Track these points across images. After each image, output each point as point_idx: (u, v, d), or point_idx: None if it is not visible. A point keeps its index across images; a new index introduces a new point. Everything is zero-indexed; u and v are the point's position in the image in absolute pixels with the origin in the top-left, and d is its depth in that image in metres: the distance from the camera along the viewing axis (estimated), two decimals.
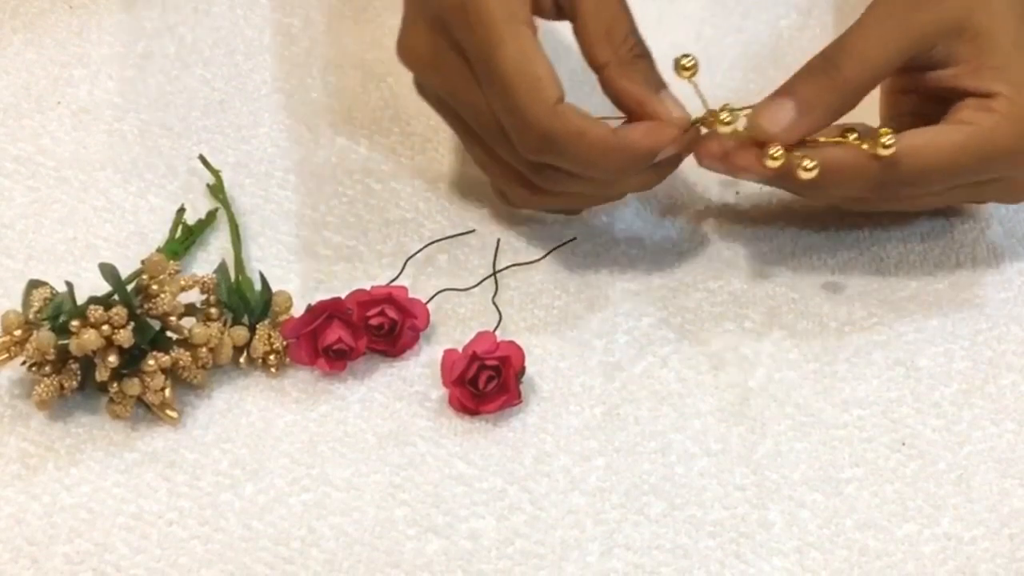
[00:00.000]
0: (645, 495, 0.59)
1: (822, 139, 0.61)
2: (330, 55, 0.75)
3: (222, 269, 0.64)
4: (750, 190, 0.70)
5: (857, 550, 0.58)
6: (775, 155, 0.60)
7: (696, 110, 0.62)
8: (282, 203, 0.69)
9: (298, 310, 0.63)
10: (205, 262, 0.66)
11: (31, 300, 0.60)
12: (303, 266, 0.66)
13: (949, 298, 0.66)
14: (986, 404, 0.62)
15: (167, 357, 0.59)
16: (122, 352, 0.58)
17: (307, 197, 0.69)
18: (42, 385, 0.59)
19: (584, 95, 0.63)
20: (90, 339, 0.57)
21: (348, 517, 0.58)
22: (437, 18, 0.62)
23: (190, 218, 0.67)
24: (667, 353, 0.64)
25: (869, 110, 0.64)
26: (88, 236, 0.67)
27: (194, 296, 0.62)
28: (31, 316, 0.60)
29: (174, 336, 0.60)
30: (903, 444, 0.61)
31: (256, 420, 0.61)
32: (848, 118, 0.62)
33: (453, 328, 0.64)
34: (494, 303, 0.65)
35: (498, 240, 0.67)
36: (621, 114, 0.63)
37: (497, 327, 0.64)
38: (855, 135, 0.61)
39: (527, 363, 0.62)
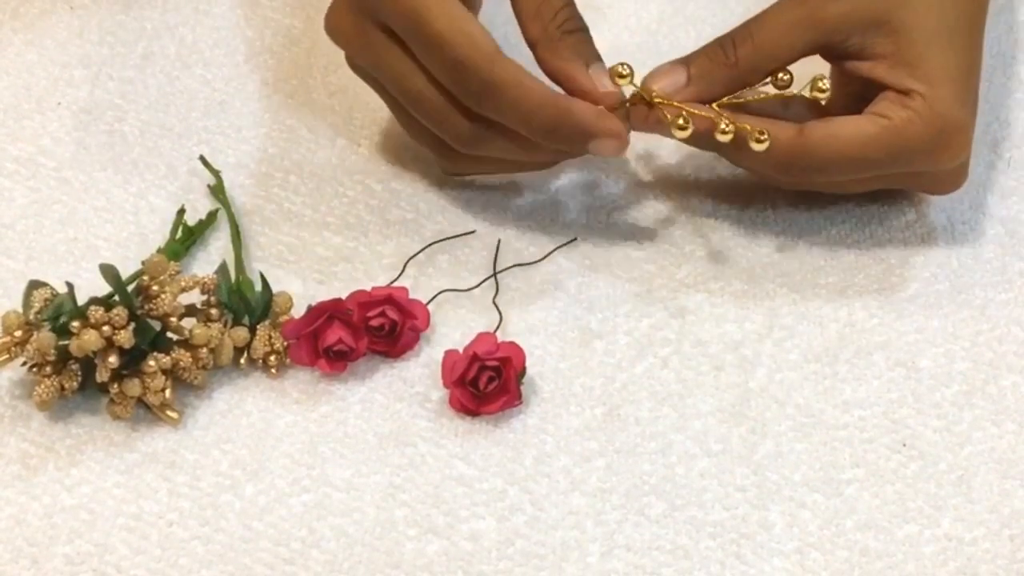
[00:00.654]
0: (646, 496, 0.59)
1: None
2: (331, 56, 0.75)
3: (222, 270, 0.64)
4: (751, 191, 0.69)
5: (858, 551, 0.58)
6: (683, 123, 0.62)
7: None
8: (282, 204, 0.69)
9: (298, 311, 0.63)
10: (205, 263, 0.66)
11: (32, 301, 0.60)
12: (303, 267, 0.66)
13: (950, 299, 0.66)
14: (987, 405, 0.62)
15: (167, 358, 0.59)
16: (122, 353, 0.58)
17: (307, 198, 0.69)
18: (42, 386, 0.59)
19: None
20: (90, 340, 0.57)
21: (348, 518, 0.58)
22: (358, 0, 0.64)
23: (190, 219, 0.67)
24: (667, 354, 0.64)
25: None
26: (88, 237, 0.67)
27: (195, 297, 0.62)
28: (32, 317, 0.60)
29: (174, 337, 0.60)
30: (904, 445, 0.61)
31: (256, 421, 0.61)
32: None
33: (454, 329, 0.64)
34: (495, 304, 0.65)
35: (499, 241, 0.67)
36: None
37: (498, 328, 0.64)
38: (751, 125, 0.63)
39: (528, 364, 0.62)
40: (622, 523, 0.58)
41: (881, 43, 0.62)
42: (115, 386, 0.59)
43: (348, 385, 0.62)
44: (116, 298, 0.59)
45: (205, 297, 0.62)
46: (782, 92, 0.63)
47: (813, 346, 0.64)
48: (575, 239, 0.68)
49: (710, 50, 0.64)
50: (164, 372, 0.59)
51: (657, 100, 0.63)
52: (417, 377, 0.62)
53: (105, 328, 0.58)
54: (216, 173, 0.69)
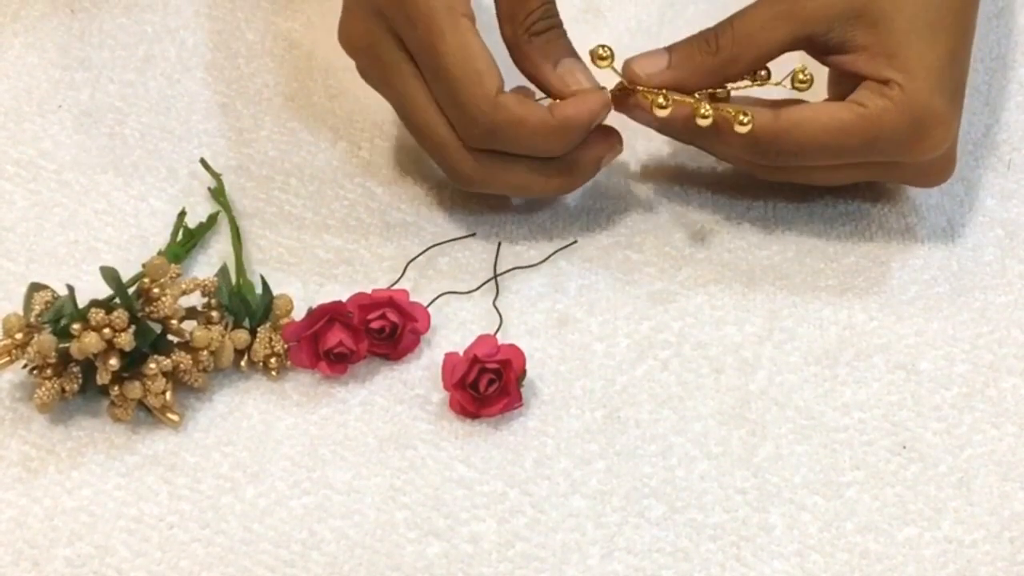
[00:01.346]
0: (646, 498, 0.59)
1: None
2: (331, 58, 0.75)
3: (223, 272, 0.64)
4: (750, 194, 0.70)
5: (858, 553, 0.58)
6: (663, 101, 0.63)
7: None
8: (283, 206, 0.69)
9: (299, 313, 0.63)
10: (206, 265, 0.66)
11: (32, 303, 0.60)
12: (304, 269, 0.66)
13: (950, 302, 0.66)
14: (987, 408, 0.62)
15: (168, 360, 0.59)
16: (123, 355, 0.58)
17: (308, 200, 0.69)
18: (43, 388, 0.59)
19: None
20: (91, 342, 0.57)
21: (349, 520, 0.58)
22: (375, 9, 0.64)
23: (191, 221, 0.67)
24: (668, 356, 0.64)
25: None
26: (89, 239, 0.67)
27: (195, 299, 0.62)
28: (32, 319, 0.60)
29: (175, 339, 0.60)
30: (904, 447, 0.61)
31: (257, 423, 0.61)
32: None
33: (454, 331, 0.64)
34: (495, 306, 0.65)
35: (499, 243, 0.67)
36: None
37: (498, 330, 0.64)
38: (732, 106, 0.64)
39: (528, 366, 0.62)
40: (622, 525, 0.58)
41: (861, 35, 0.63)
42: (116, 388, 0.59)
43: (348, 387, 0.62)
44: (117, 300, 0.59)
45: (206, 300, 0.62)
46: (761, 85, 0.64)
47: (813, 348, 0.64)
48: (575, 242, 0.68)
49: (692, 39, 0.65)
50: (165, 374, 0.59)
51: (639, 89, 0.64)
52: (417, 379, 0.63)
53: (106, 330, 0.58)
54: (217, 176, 0.69)
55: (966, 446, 0.61)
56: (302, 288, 0.65)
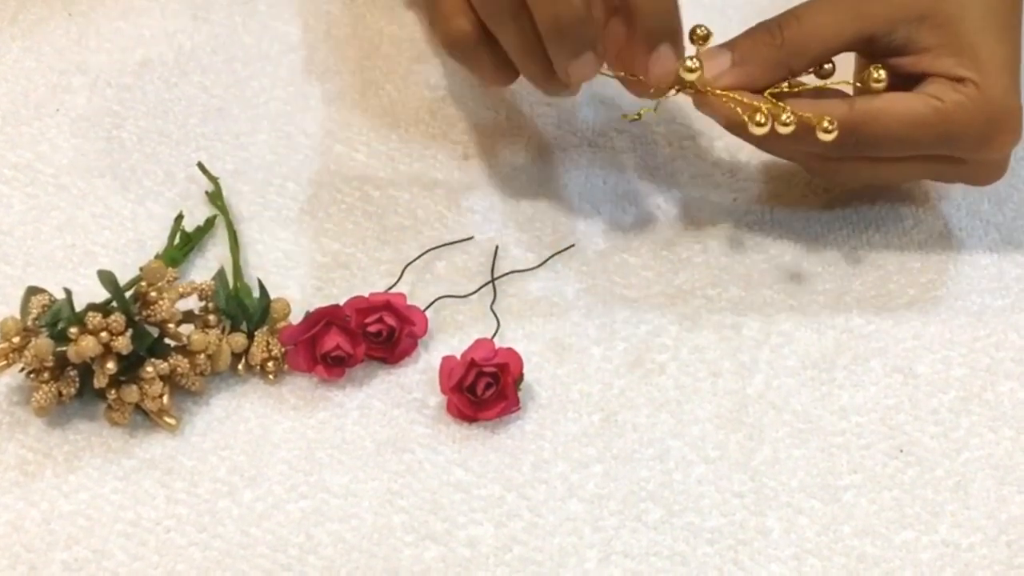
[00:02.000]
0: (643, 502, 0.59)
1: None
2: (328, 62, 0.75)
3: (220, 276, 0.64)
4: (748, 198, 0.70)
5: (855, 557, 0.58)
6: (761, 121, 0.61)
7: None
8: (280, 210, 0.69)
9: (296, 317, 0.63)
10: (203, 269, 0.66)
11: (29, 307, 0.60)
12: (301, 273, 0.66)
13: (947, 305, 0.66)
14: (984, 411, 0.62)
15: (165, 364, 0.59)
16: (120, 359, 0.58)
17: (305, 204, 0.69)
18: (40, 392, 0.59)
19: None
20: (88, 346, 0.57)
21: (346, 524, 0.58)
22: None
23: (188, 225, 0.67)
24: (665, 360, 0.64)
25: None
26: (86, 243, 0.67)
27: (192, 303, 0.62)
28: (29, 323, 0.60)
29: (172, 343, 0.60)
30: (901, 451, 0.61)
31: (254, 427, 0.61)
32: None
33: (451, 335, 0.64)
34: (492, 310, 0.65)
35: (496, 247, 0.67)
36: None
37: (495, 334, 0.64)
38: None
39: (525, 370, 0.62)
40: (620, 529, 0.58)
41: (926, 36, 0.63)
42: (113, 392, 0.59)
43: (346, 391, 0.62)
44: (114, 304, 0.59)
45: (203, 303, 0.62)
46: (823, 83, 0.63)
47: (810, 352, 0.64)
48: (572, 246, 0.68)
49: (754, 32, 0.64)
50: (162, 378, 0.59)
51: (708, 90, 0.63)
52: (415, 383, 0.62)
53: (103, 334, 0.58)
54: (214, 180, 0.69)
55: (963, 450, 0.61)
56: (299, 292, 0.65)
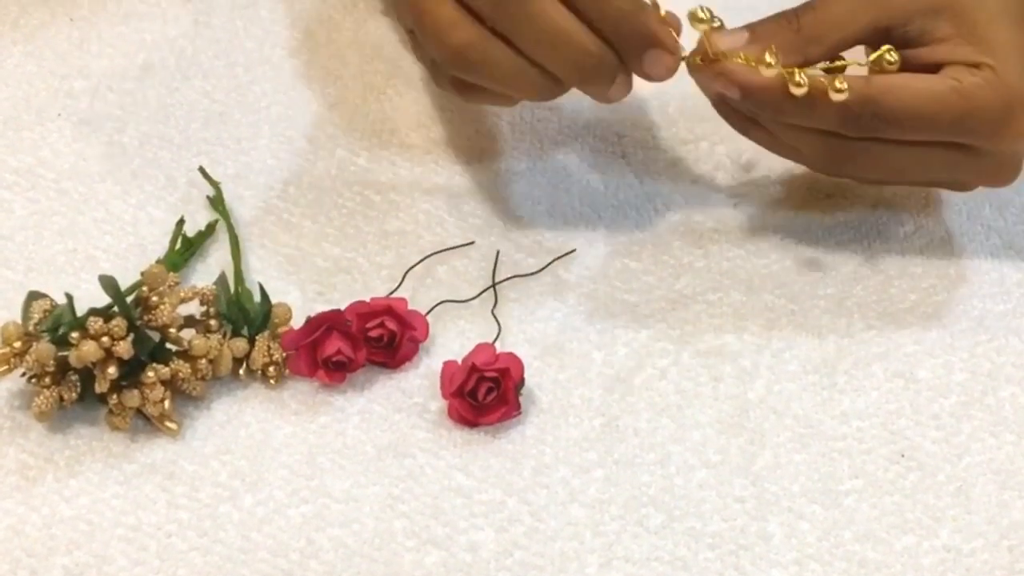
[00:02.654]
0: (644, 507, 0.59)
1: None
2: (330, 67, 0.75)
3: (222, 281, 0.64)
4: (749, 203, 0.70)
5: (856, 562, 0.58)
6: (770, 62, 0.61)
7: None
8: (281, 215, 0.69)
9: (297, 322, 0.63)
10: (205, 274, 0.66)
11: (31, 312, 0.60)
12: (302, 278, 0.66)
13: (948, 310, 0.66)
14: (985, 416, 0.62)
15: (166, 369, 0.59)
16: (121, 364, 0.58)
17: (306, 209, 0.69)
18: (41, 397, 0.59)
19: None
20: (90, 351, 0.57)
21: (347, 529, 0.58)
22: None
23: (190, 230, 0.67)
24: (666, 365, 0.64)
25: None
26: (88, 248, 0.67)
27: (194, 308, 0.62)
28: (31, 328, 0.60)
29: (173, 348, 0.60)
30: (902, 456, 0.61)
31: (255, 432, 0.61)
32: None
33: (452, 340, 0.64)
34: (493, 315, 0.65)
35: (497, 252, 0.67)
36: None
37: (496, 339, 0.64)
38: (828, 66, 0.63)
39: (526, 375, 0.62)
40: (621, 534, 0.58)
41: (942, 27, 0.63)
42: (114, 397, 0.59)
43: (347, 396, 0.62)
44: (115, 309, 0.59)
45: (204, 308, 0.62)
46: (837, 65, 0.63)
47: (812, 357, 0.64)
48: (574, 250, 0.68)
49: (772, 18, 0.64)
50: (163, 383, 0.59)
51: (731, 56, 0.62)
52: (416, 388, 0.62)
53: (104, 339, 0.58)
54: (215, 184, 0.69)
55: (964, 455, 0.61)
56: (300, 296, 0.65)
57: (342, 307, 0.62)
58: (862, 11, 0.63)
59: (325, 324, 0.61)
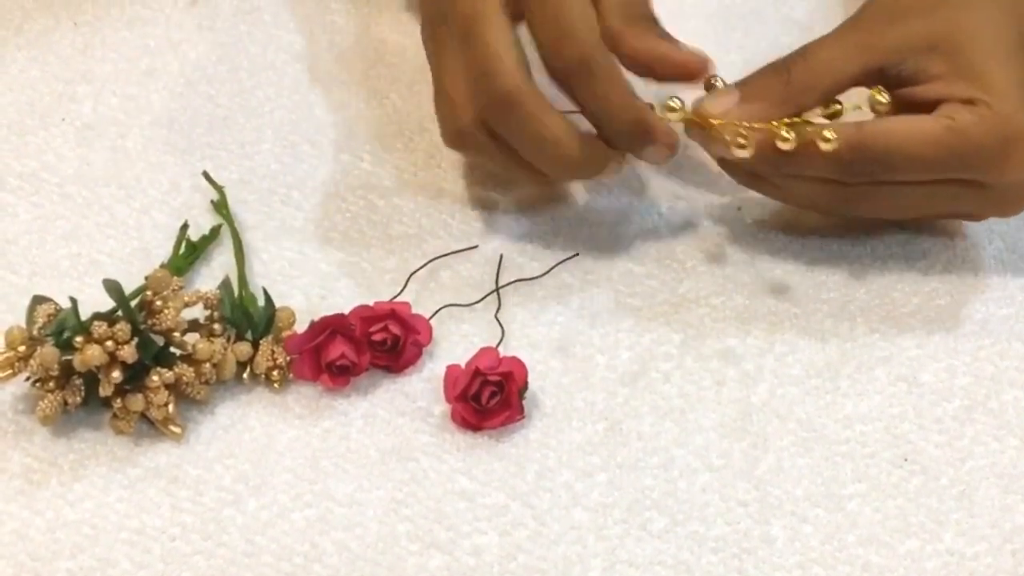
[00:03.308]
0: (647, 510, 0.59)
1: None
2: (334, 72, 0.75)
3: (225, 285, 0.64)
4: (752, 206, 0.70)
5: (860, 566, 0.58)
6: (743, 141, 0.62)
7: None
8: (285, 219, 0.69)
9: (301, 326, 0.63)
10: (208, 278, 0.66)
11: (35, 316, 0.61)
12: (306, 282, 0.66)
13: (951, 314, 0.66)
14: (988, 420, 0.62)
15: (170, 373, 0.59)
16: (126, 368, 0.58)
17: (310, 213, 0.69)
18: (46, 401, 0.59)
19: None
20: (94, 355, 0.57)
21: (351, 533, 0.58)
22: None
23: (194, 234, 0.67)
24: (669, 369, 0.64)
25: None
26: (92, 252, 0.67)
27: (197, 312, 0.62)
28: (35, 332, 0.60)
29: (177, 352, 0.60)
30: (905, 460, 0.61)
31: (259, 435, 0.61)
32: None
33: (456, 344, 0.64)
34: (497, 319, 0.65)
35: (501, 256, 0.67)
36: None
37: (500, 343, 0.64)
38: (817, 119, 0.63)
39: (530, 379, 0.62)
40: (624, 538, 0.58)
41: (936, 65, 0.62)
42: (118, 401, 0.59)
43: (351, 400, 0.62)
44: (119, 313, 0.59)
45: (208, 312, 0.62)
46: (832, 111, 0.63)
47: (815, 361, 0.64)
48: (577, 254, 0.68)
49: (762, 71, 0.64)
50: (167, 387, 0.59)
51: (713, 121, 0.63)
52: (419, 392, 0.63)
53: (108, 343, 0.58)
54: (219, 189, 0.69)
55: (968, 458, 0.61)
56: (304, 300, 0.65)
57: (346, 311, 0.63)
58: (853, 55, 0.63)
59: (329, 328, 0.61)
